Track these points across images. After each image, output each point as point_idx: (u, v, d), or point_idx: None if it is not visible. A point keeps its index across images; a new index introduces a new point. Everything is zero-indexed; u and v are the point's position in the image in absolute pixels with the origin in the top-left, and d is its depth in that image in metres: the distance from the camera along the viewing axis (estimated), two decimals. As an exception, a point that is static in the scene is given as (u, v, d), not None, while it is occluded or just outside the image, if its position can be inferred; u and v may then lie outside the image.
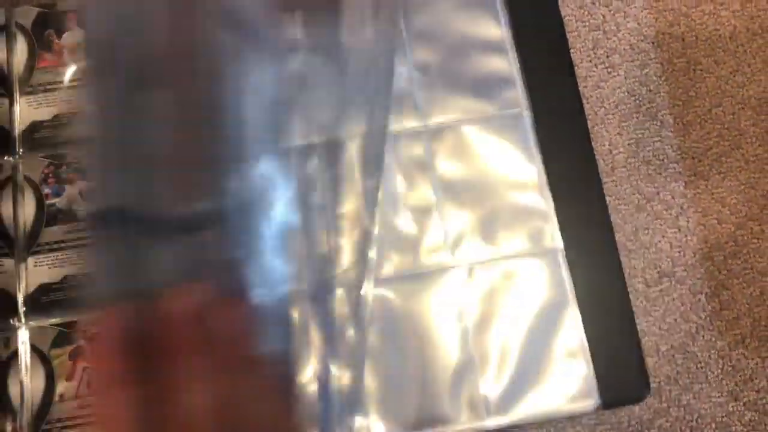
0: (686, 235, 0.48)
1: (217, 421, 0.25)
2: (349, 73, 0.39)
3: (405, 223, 0.43)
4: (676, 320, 0.47)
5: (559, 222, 0.44)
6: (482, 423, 0.41)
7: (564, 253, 0.43)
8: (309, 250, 0.40)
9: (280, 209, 0.34)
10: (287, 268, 0.34)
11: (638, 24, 0.52)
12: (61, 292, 0.40)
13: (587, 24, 0.51)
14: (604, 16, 0.52)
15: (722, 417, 0.45)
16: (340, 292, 0.41)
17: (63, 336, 0.40)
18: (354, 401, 0.40)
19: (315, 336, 0.40)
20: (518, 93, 0.45)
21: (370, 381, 0.40)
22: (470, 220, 0.43)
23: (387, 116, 0.41)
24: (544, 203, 0.44)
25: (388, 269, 0.42)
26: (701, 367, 0.46)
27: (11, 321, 0.40)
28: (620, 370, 0.42)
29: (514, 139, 0.45)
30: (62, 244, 0.41)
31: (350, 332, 0.40)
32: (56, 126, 0.43)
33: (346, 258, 0.41)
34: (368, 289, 0.41)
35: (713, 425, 0.45)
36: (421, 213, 0.43)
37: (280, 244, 0.32)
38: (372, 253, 0.42)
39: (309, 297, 0.40)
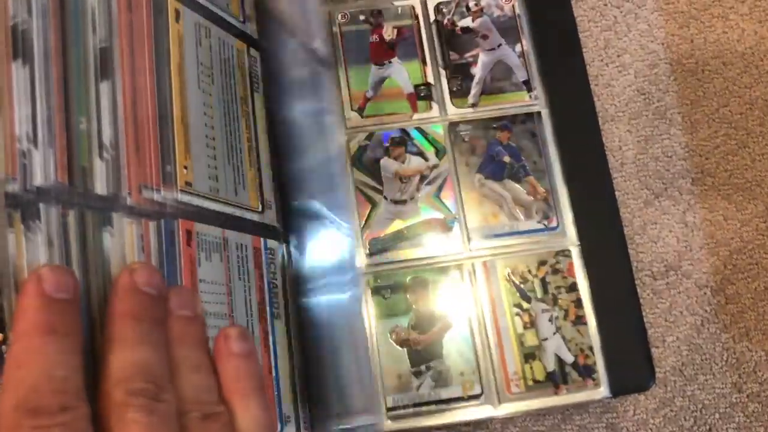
0: (693, 231, 0.49)
1: None
2: None
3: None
4: (681, 313, 0.48)
5: (573, 215, 0.45)
6: (492, 409, 0.42)
7: (579, 246, 0.45)
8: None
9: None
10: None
11: (649, 25, 0.53)
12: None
13: (599, 25, 0.53)
14: (615, 18, 0.53)
15: (726, 408, 0.46)
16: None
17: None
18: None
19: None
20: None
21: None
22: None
23: None
24: (561, 196, 0.46)
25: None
26: (706, 359, 0.47)
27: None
28: (627, 360, 0.44)
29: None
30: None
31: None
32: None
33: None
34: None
35: (717, 415, 0.46)
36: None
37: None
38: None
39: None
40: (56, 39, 0.25)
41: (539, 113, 0.46)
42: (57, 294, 0.22)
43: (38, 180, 0.23)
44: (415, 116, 0.46)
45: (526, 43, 0.48)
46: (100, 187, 0.25)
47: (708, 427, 0.46)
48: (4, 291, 0.23)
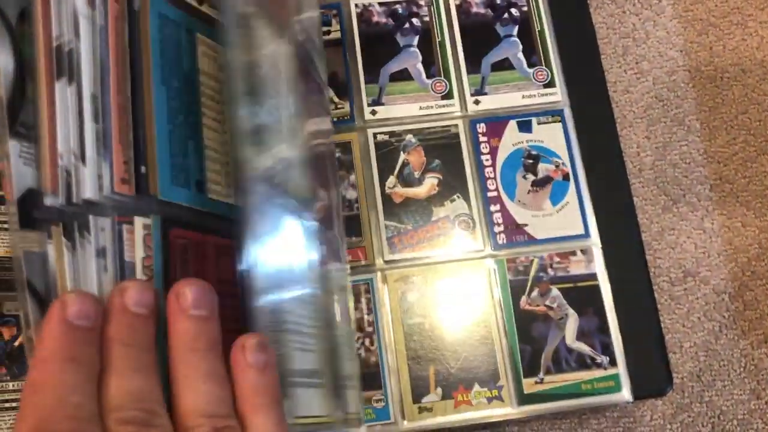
0: (711, 237, 0.49)
1: None
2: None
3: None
4: (699, 318, 0.48)
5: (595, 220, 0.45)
6: (512, 411, 0.42)
7: (601, 250, 0.45)
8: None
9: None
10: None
11: (667, 33, 0.53)
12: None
13: (618, 32, 0.53)
14: (634, 25, 0.53)
15: (744, 414, 0.46)
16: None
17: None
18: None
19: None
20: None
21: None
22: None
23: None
24: (585, 197, 0.46)
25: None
26: (724, 365, 0.47)
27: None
28: (644, 365, 0.44)
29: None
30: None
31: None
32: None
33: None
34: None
35: (735, 422, 0.46)
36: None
37: None
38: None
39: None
40: (116, 58, 0.25)
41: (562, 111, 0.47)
42: (78, 321, 0.22)
43: (88, 193, 0.23)
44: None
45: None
46: (164, 192, 0.25)
47: (726, 433, 0.46)
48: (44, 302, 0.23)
